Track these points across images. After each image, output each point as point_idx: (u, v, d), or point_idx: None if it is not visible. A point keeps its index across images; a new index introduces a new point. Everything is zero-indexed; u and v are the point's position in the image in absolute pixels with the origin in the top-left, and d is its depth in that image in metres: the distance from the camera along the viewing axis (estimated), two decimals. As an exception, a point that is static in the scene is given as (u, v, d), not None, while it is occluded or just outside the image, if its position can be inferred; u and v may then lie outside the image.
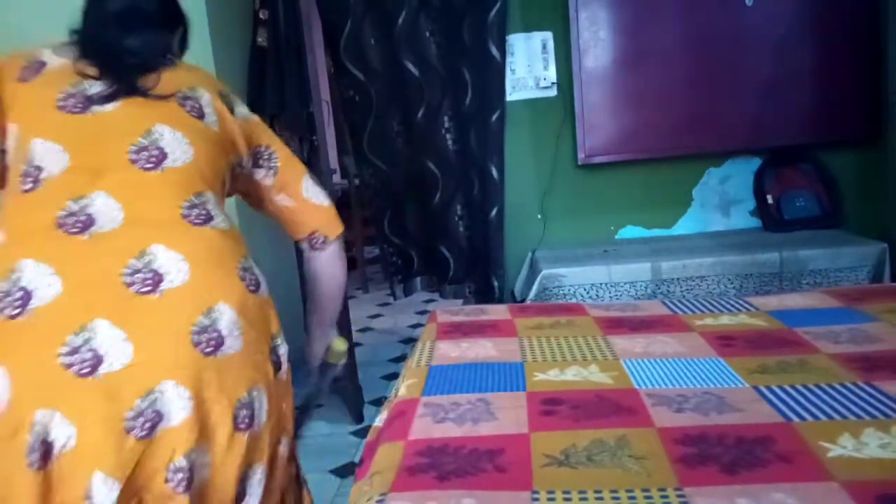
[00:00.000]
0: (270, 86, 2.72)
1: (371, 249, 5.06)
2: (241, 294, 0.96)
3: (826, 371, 1.24)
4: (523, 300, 2.91)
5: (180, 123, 1.02)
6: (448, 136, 3.00)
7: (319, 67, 3.12)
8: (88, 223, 0.91)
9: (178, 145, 1.00)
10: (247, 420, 0.94)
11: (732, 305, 1.73)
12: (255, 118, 1.21)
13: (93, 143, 0.97)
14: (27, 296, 0.86)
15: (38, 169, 0.94)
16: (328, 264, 1.22)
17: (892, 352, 1.31)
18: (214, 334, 0.90)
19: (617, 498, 0.88)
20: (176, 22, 1.21)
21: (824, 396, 1.13)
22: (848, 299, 1.70)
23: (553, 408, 1.17)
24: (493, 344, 1.53)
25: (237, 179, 1.15)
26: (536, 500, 0.90)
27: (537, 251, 3.01)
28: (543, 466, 0.98)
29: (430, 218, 3.09)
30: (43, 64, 1.03)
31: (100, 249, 0.90)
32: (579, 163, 3.00)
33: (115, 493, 0.83)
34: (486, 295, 3.02)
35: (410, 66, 2.92)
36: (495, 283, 3.01)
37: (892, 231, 2.66)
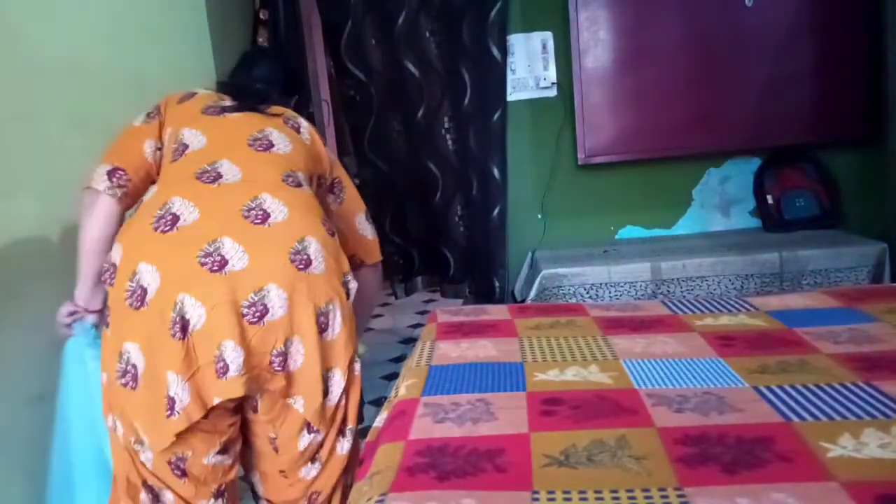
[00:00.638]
0: (270, 86, 2.71)
1: (371, 249, 5.05)
2: (323, 234, 1.27)
3: (826, 371, 1.24)
4: (523, 300, 2.91)
5: (284, 130, 1.41)
6: (448, 136, 3.00)
7: (319, 67, 3.12)
8: (217, 177, 1.27)
9: (281, 141, 1.37)
10: (323, 325, 1.23)
11: (732, 305, 1.73)
12: (335, 157, 1.56)
13: (223, 131, 1.36)
14: (175, 218, 1.20)
15: (184, 146, 1.33)
16: (362, 283, 1.39)
17: (893, 352, 1.31)
18: (305, 256, 1.21)
19: (617, 498, 0.88)
20: (294, 90, 1.67)
21: (824, 396, 1.13)
22: (848, 299, 1.70)
23: (553, 408, 1.17)
24: (493, 344, 1.53)
25: (315, 190, 1.43)
26: (536, 500, 0.89)
27: (537, 251, 3.02)
28: (543, 466, 0.98)
29: (431, 218, 3.09)
30: (194, 93, 1.46)
31: (226, 193, 1.25)
32: (579, 163, 3.00)
33: (242, 358, 1.14)
34: (486, 295, 3.02)
35: (410, 66, 2.92)
36: (496, 283, 3.01)
37: (892, 231, 2.66)
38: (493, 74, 2.88)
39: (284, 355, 1.20)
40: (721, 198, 3.13)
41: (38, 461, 1.46)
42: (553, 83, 3.04)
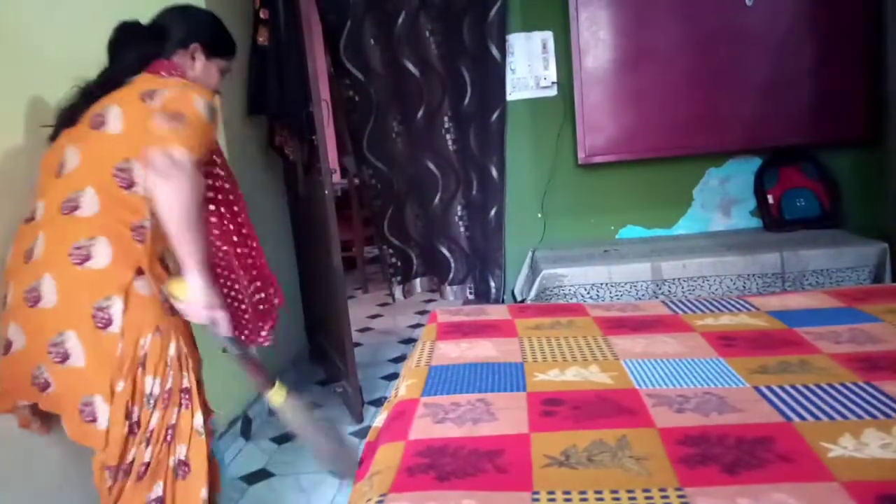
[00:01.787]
0: (271, 85, 2.71)
1: (371, 249, 5.06)
2: (63, 267, 1.27)
3: (827, 371, 1.24)
4: (524, 300, 2.91)
5: (82, 138, 1.35)
6: (448, 136, 3.00)
7: (319, 67, 3.12)
8: (31, 219, 1.36)
9: (74, 156, 1.34)
10: (61, 356, 1.25)
11: (733, 305, 1.73)
12: (173, 95, 1.36)
13: (45, 167, 1.37)
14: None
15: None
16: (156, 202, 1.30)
17: (893, 352, 1.31)
18: (36, 294, 1.28)
19: (617, 498, 0.88)
20: (164, 49, 1.50)
21: (825, 396, 1.13)
22: (848, 299, 1.69)
23: (553, 408, 1.16)
24: (494, 344, 1.53)
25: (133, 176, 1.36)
26: (537, 500, 0.89)
27: (537, 251, 3.01)
28: (544, 467, 0.97)
29: (431, 218, 3.09)
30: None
31: (26, 234, 1.35)
32: (579, 163, 3.00)
33: None
34: (486, 295, 3.02)
35: (410, 66, 2.92)
36: (492, 284, 3.01)
37: (893, 231, 2.65)
38: (493, 74, 2.88)
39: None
40: (721, 198, 3.13)
41: (39, 461, 1.46)
42: (553, 83, 3.04)
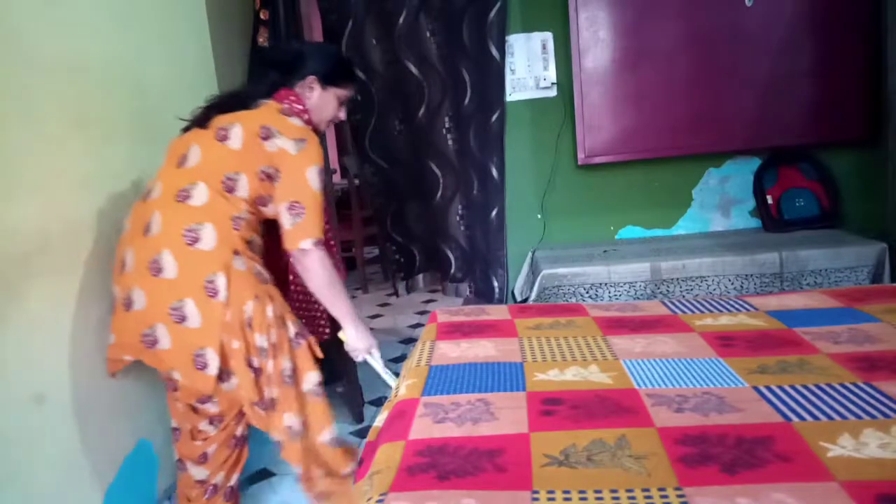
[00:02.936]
0: (270, 86, 2.71)
1: (370, 250, 5.06)
2: (179, 245, 1.54)
3: (826, 371, 1.24)
4: (524, 300, 2.91)
5: (206, 142, 1.64)
6: (448, 135, 3.01)
7: (319, 67, 3.12)
8: (147, 195, 1.65)
9: (196, 154, 1.63)
10: (178, 317, 1.54)
11: (732, 305, 1.73)
12: (286, 154, 1.66)
13: (169, 154, 1.68)
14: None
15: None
16: (300, 270, 1.67)
17: (892, 352, 1.31)
18: (158, 266, 1.54)
19: (617, 498, 0.88)
20: (290, 79, 1.78)
21: (824, 396, 1.13)
22: (847, 299, 1.70)
23: (553, 408, 1.17)
24: (494, 344, 1.53)
25: (251, 183, 1.64)
26: (536, 499, 0.89)
27: (537, 251, 3.02)
28: (543, 466, 0.98)
29: (432, 216, 3.09)
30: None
31: (143, 210, 1.63)
32: (579, 163, 3.00)
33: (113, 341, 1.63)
34: (488, 295, 3.02)
35: (411, 66, 2.92)
36: (495, 284, 3.01)
37: (892, 231, 2.66)
38: (493, 75, 2.88)
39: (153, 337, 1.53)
40: (721, 198, 3.13)
41: (39, 461, 1.46)
42: (553, 83, 3.04)
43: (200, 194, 1.56)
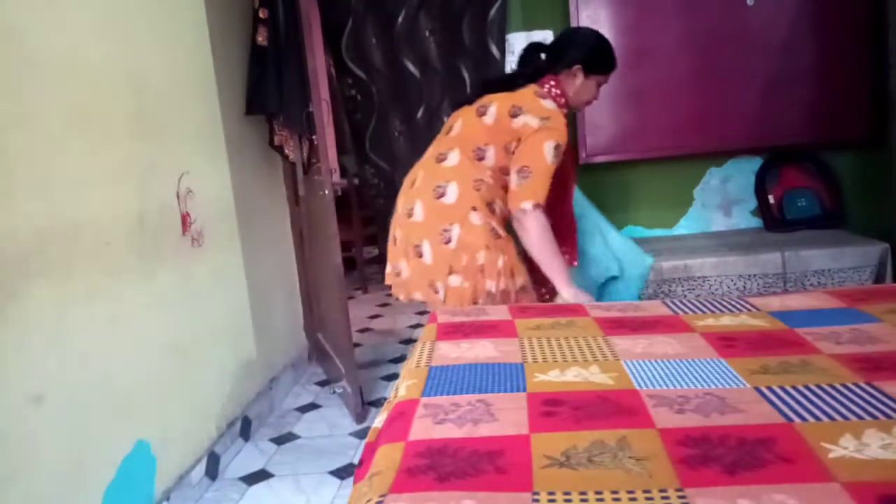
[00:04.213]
0: (270, 85, 2.71)
1: (370, 250, 5.05)
2: (429, 197, 1.95)
3: (828, 372, 1.24)
4: (524, 300, 2.90)
5: (469, 117, 1.99)
6: (448, 135, 3.00)
7: (319, 67, 3.12)
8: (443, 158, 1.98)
9: (458, 126, 2.02)
10: (446, 239, 1.90)
11: (734, 306, 1.73)
12: (531, 128, 1.92)
13: (446, 125, 2.09)
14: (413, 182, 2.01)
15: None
16: (517, 228, 1.96)
17: (894, 353, 1.31)
18: (442, 191, 1.90)
19: (618, 499, 0.88)
20: (556, 66, 2.06)
21: (826, 397, 1.12)
22: (850, 300, 1.69)
23: (553, 409, 1.16)
24: (494, 345, 1.53)
25: (499, 153, 1.94)
26: (537, 501, 0.89)
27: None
28: (544, 468, 0.97)
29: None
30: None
31: (416, 171, 2.04)
32: (580, 162, 2.99)
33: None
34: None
35: (410, 66, 2.92)
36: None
37: (894, 231, 2.65)
38: (493, 73, 2.88)
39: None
40: (722, 197, 3.13)
41: (38, 461, 1.46)
42: (554, 83, 3.04)
43: (453, 159, 1.89)
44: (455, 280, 1.86)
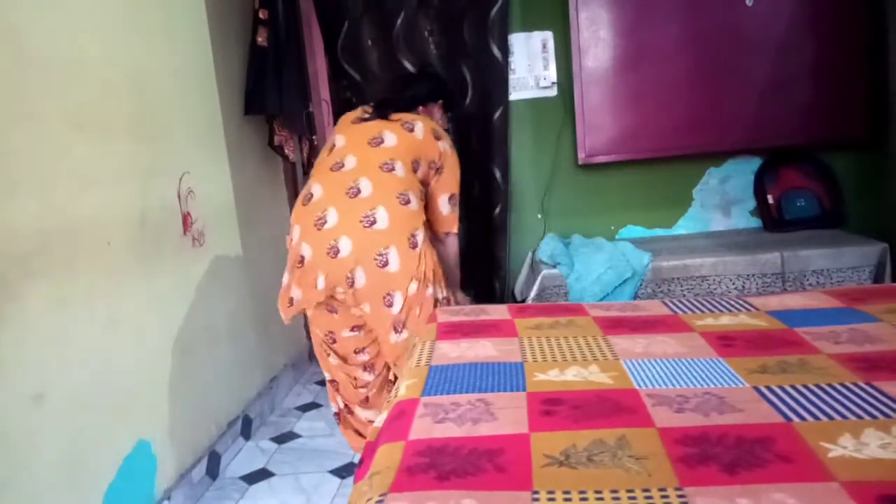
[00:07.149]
0: (270, 86, 2.72)
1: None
2: (394, 204, 1.89)
3: (826, 371, 1.24)
4: (524, 300, 2.91)
5: (397, 131, 2.01)
6: (449, 136, 3.00)
7: (319, 67, 3.12)
8: (341, 166, 1.94)
9: (392, 138, 1.98)
10: (382, 262, 1.87)
11: (733, 305, 1.73)
12: (448, 154, 2.11)
13: (356, 135, 2.03)
14: (310, 196, 1.92)
15: (334, 146, 2.05)
16: (443, 247, 2.15)
17: (893, 352, 1.31)
18: (372, 219, 1.84)
19: (617, 498, 0.88)
20: (435, 98, 2.31)
21: (825, 397, 1.13)
22: (848, 299, 1.69)
23: (553, 408, 1.16)
24: (493, 344, 1.53)
25: (423, 171, 2.03)
26: (536, 500, 0.89)
27: (538, 251, 3.01)
28: (543, 466, 0.97)
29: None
30: (359, 114, 2.14)
31: (343, 177, 1.91)
32: (579, 162, 3.00)
33: (322, 285, 1.87)
34: (489, 295, 3.02)
35: (409, 67, 2.91)
36: (496, 285, 3.01)
37: (894, 231, 2.65)
38: (494, 74, 2.88)
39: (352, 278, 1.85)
40: (721, 197, 3.13)
41: (38, 461, 1.46)
42: (553, 83, 3.04)
43: (400, 169, 1.93)
44: (414, 286, 1.90)
